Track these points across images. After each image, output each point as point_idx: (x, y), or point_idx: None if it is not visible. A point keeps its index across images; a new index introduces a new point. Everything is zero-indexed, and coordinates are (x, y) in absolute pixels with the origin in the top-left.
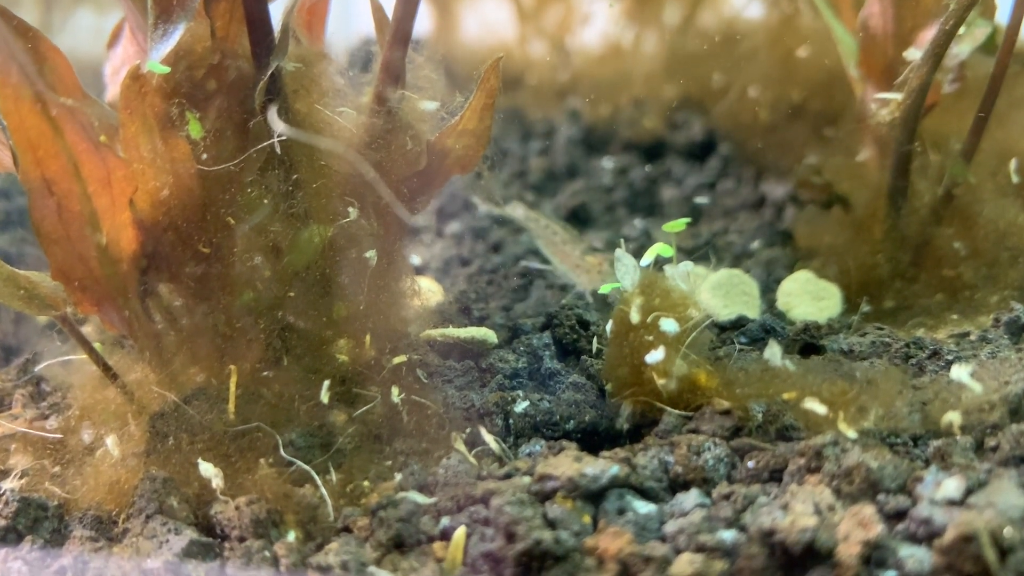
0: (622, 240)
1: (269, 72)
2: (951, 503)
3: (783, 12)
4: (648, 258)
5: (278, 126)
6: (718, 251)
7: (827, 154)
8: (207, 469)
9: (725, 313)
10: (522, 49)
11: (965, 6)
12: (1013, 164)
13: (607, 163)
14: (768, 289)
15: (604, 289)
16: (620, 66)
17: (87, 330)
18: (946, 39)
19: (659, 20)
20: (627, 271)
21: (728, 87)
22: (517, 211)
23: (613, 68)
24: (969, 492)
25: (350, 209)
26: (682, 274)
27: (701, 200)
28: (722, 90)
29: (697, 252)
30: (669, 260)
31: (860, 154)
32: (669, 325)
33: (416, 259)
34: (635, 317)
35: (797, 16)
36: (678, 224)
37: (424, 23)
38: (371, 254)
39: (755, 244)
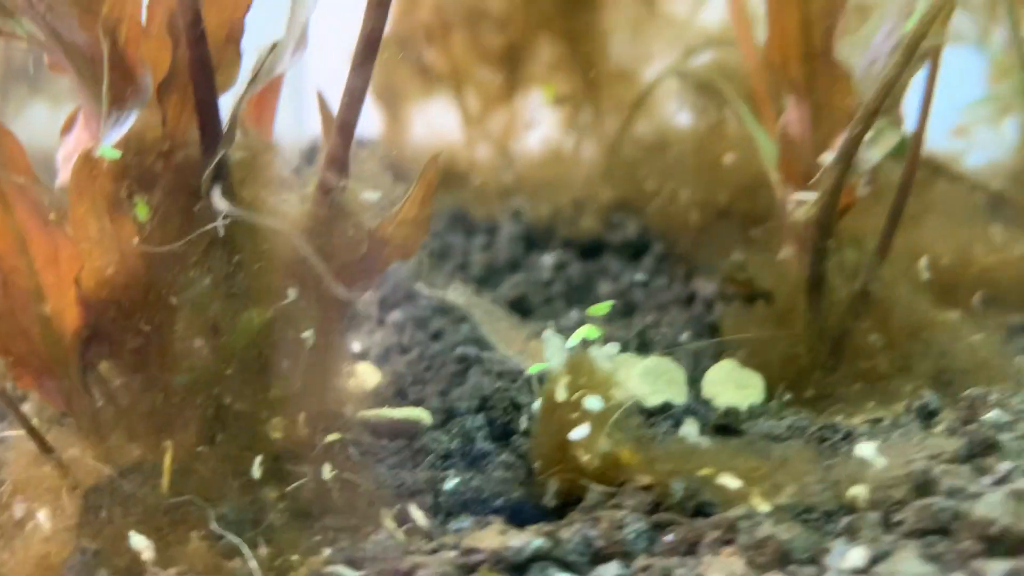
0: (551, 324)
1: (216, 159)
2: (856, 571)
3: (711, 120)
4: (575, 340)
5: (222, 206)
6: (649, 342)
7: (751, 252)
8: (138, 541)
9: (652, 399)
10: (468, 152)
11: (869, 114)
12: (923, 262)
13: (547, 259)
14: (695, 379)
15: (532, 370)
16: (561, 169)
17: (26, 409)
18: (853, 144)
19: (598, 127)
20: (555, 351)
21: (662, 190)
22: (459, 296)
23: (554, 171)
24: (874, 561)
25: (289, 292)
26: (607, 355)
27: (639, 279)
28: (656, 193)
29: (629, 342)
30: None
31: (782, 252)
32: (594, 403)
33: (357, 346)
34: (561, 395)
35: (724, 124)
36: (603, 307)
37: (374, 126)
38: (308, 335)
39: (684, 336)
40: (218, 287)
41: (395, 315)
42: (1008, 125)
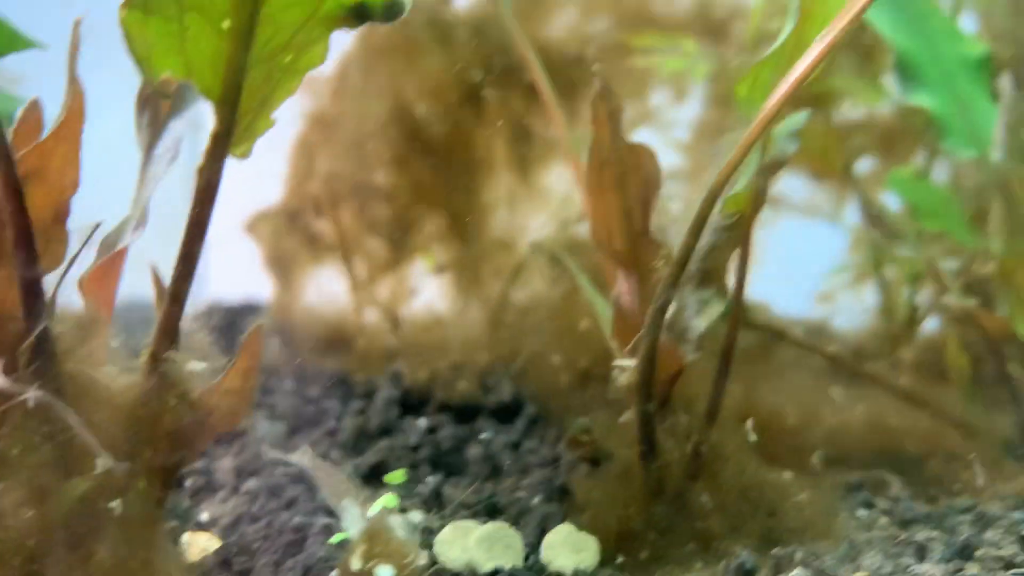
0: (353, 494)
1: (36, 333)
2: None
3: (567, 289)
4: (375, 508)
5: (30, 387)
6: (501, 507)
7: (604, 414)
8: None
9: (488, 565)
10: (355, 317)
11: (667, 287)
12: (749, 424)
13: (421, 423)
14: (538, 543)
15: (333, 540)
16: (442, 334)
17: None
18: (659, 315)
19: (477, 293)
20: (354, 521)
21: (534, 354)
22: (304, 459)
23: (436, 335)
24: None
25: (101, 463)
26: (408, 524)
27: (509, 441)
28: (529, 357)
29: (480, 507)
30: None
31: (624, 415)
32: (386, 572)
33: (205, 515)
34: (356, 565)
35: (579, 292)
36: (397, 475)
37: (266, 291)
38: (117, 504)
39: (536, 500)
40: (34, 460)
41: (250, 483)
42: (867, 291)
